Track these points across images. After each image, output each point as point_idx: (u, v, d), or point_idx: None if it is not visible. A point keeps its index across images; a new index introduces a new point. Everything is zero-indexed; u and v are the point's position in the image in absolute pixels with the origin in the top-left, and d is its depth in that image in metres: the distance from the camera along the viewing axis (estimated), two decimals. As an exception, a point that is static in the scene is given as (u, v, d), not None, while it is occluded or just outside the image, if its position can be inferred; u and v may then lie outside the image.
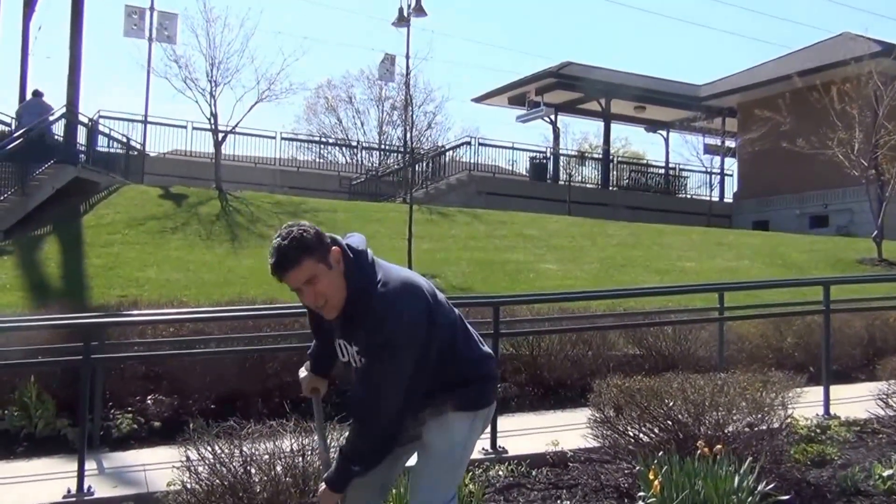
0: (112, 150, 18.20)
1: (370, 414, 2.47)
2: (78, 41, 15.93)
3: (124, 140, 19.03)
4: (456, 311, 2.67)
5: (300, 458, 3.50)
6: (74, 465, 4.27)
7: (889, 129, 14.73)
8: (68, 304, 7.78)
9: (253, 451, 3.52)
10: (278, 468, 3.49)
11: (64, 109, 15.29)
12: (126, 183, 16.40)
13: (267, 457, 3.51)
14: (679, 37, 64.43)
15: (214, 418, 4.69)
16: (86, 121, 16.86)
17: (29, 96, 16.33)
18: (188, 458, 3.53)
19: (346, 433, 2.66)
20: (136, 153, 19.55)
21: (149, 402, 5.90)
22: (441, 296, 2.61)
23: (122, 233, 12.51)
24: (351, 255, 2.48)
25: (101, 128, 18.35)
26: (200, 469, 3.51)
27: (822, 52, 22.04)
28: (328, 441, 2.87)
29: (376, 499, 2.74)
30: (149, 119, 20.66)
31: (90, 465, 4.49)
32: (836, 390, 5.95)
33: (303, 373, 2.87)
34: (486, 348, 2.72)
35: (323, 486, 2.58)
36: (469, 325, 2.71)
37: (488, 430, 4.80)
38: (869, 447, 4.93)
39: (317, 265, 2.39)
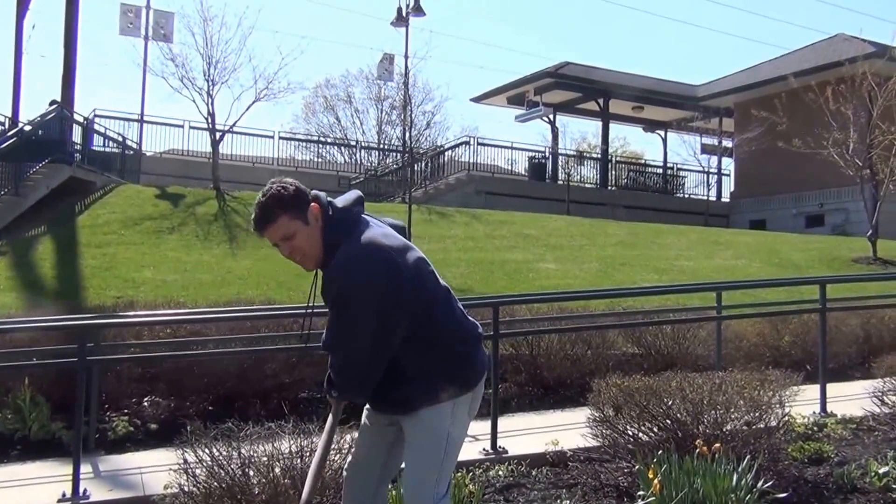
0: (108, 150, 18.18)
1: (339, 361, 2.54)
2: (73, 40, 15.93)
3: (120, 139, 19.00)
4: (442, 284, 2.67)
5: (299, 460, 3.48)
6: (69, 469, 4.23)
7: (883, 129, 14.75)
8: (63, 305, 7.77)
9: (251, 453, 3.50)
10: (277, 470, 3.47)
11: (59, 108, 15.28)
12: (122, 182, 16.35)
13: (265, 459, 3.49)
14: (677, 37, 64.65)
15: (212, 420, 4.67)
16: (81, 120, 16.83)
17: (23, 97, 16.33)
18: (185, 461, 3.51)
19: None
20: (132, 152, 19.51)
21: (145, 404, 5.87)
22: (425, 265, 2.63)
23: (118, 233, 12.47)
24: (330, 212, 2.55)
25: (96, 127, 18.33)
26: (198, 472, 3.48)
27: (817, 53, 22.11)
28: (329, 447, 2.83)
29: (379, 480, 2.73)
30: (145, 118, 20.65)
31: (85, 469, 4.45)
32: (833, 388, 5.97)
33: None
34: (478, 331, 2.68)
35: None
36: (460, 307, 2.68)
37: (488, 430, 4.80)
38: (865, 444, 4.94)
39: (292, 221, 2.48)
